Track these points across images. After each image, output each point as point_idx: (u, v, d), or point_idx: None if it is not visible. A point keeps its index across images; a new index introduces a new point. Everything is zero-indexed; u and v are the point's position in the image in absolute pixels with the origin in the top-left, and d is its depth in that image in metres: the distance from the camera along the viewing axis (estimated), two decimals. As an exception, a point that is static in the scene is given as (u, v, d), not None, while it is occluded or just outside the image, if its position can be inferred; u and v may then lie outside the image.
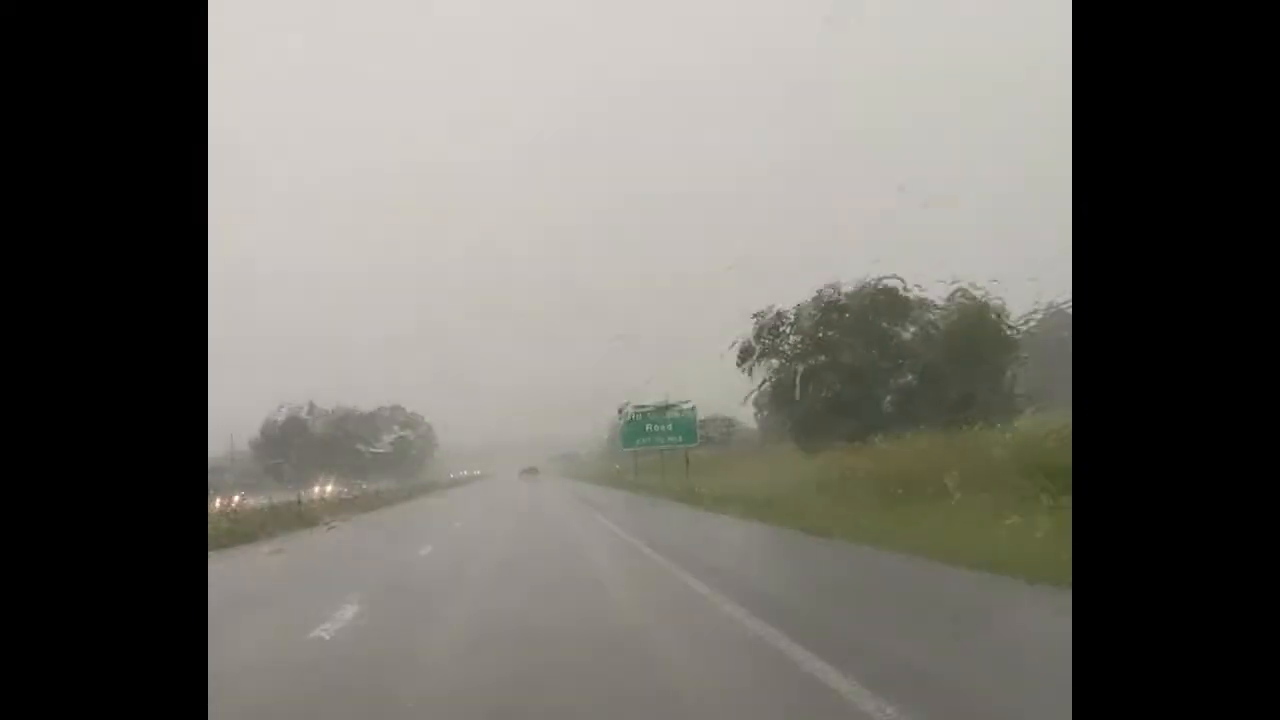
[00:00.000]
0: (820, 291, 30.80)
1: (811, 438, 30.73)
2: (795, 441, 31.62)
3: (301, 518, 34.13)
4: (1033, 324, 27.60)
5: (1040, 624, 7.03)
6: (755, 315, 31.55)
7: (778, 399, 31.62)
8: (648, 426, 35.98)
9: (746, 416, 49.79)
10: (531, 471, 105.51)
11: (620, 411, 35.41)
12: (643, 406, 35.18)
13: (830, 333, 30.97)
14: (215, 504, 35.46)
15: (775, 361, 32.20)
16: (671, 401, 34.89)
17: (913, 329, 30.48)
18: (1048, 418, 17.23)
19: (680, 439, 35.61)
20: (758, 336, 31.83)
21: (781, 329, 31.67)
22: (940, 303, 29.54)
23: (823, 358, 31.36)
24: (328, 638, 8.91)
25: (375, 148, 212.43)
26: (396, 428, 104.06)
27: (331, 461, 79.83)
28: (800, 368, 30.78)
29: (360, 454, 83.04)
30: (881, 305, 30.36)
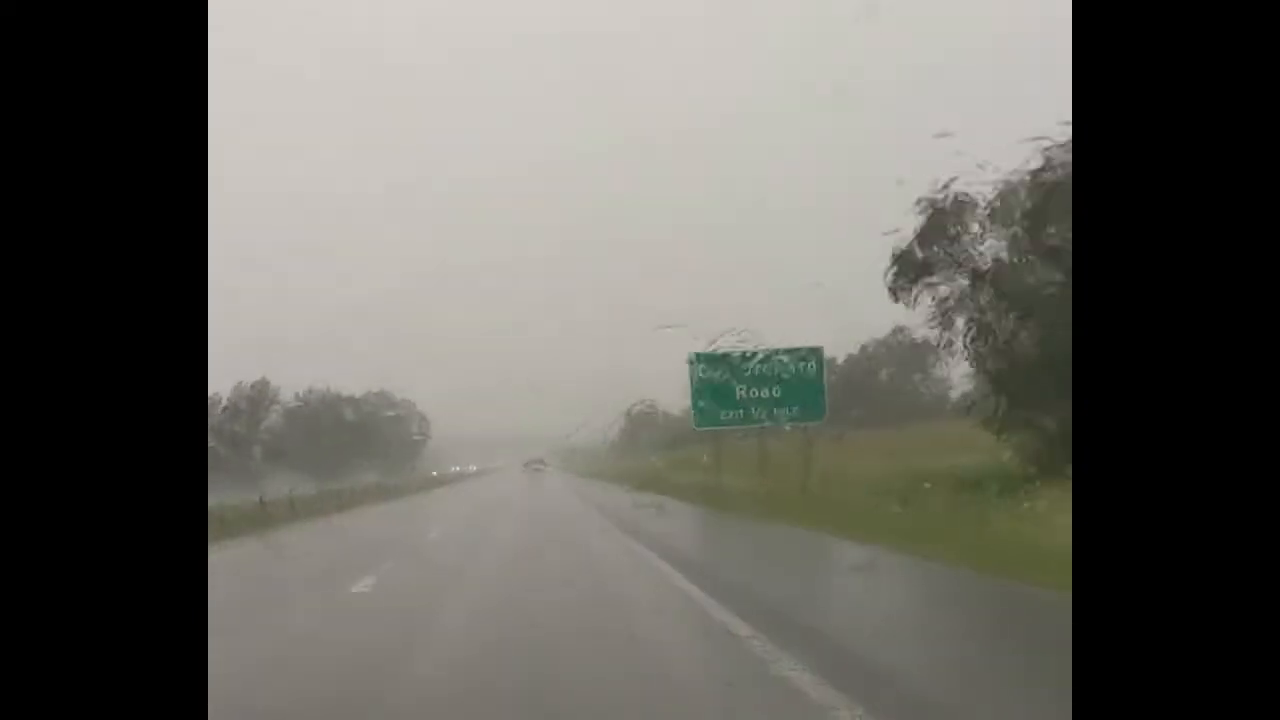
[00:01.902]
0: (1047, 155, 17.09)
1: (1024, 409, 17.46)
2: (999, 422, 17.96)
3: None
4: None
5: None
6: (923, 201, 18.16)
7: (971, 342, 18.24)
8: (739, 388, 20.22)
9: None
10: (537, 465, 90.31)
11: (692, 363, 20.41)
12: (726, 353, 20.43)
13: (1058, 231, 17.57)
14: None
15: (945, 288, 18.86)
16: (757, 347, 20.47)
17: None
18: None
19: (798, 410, 20.32)
20: (926, 236, 18.48)
21: (969, 225, 18.31)
22: None
23: (1043, 274, 18.08)
24: None
25: (374, 117, 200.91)
26: (385, 415, 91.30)
27: (296, 451, 67.17)
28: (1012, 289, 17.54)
29: (334, 444, 70.13)
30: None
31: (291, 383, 75.94)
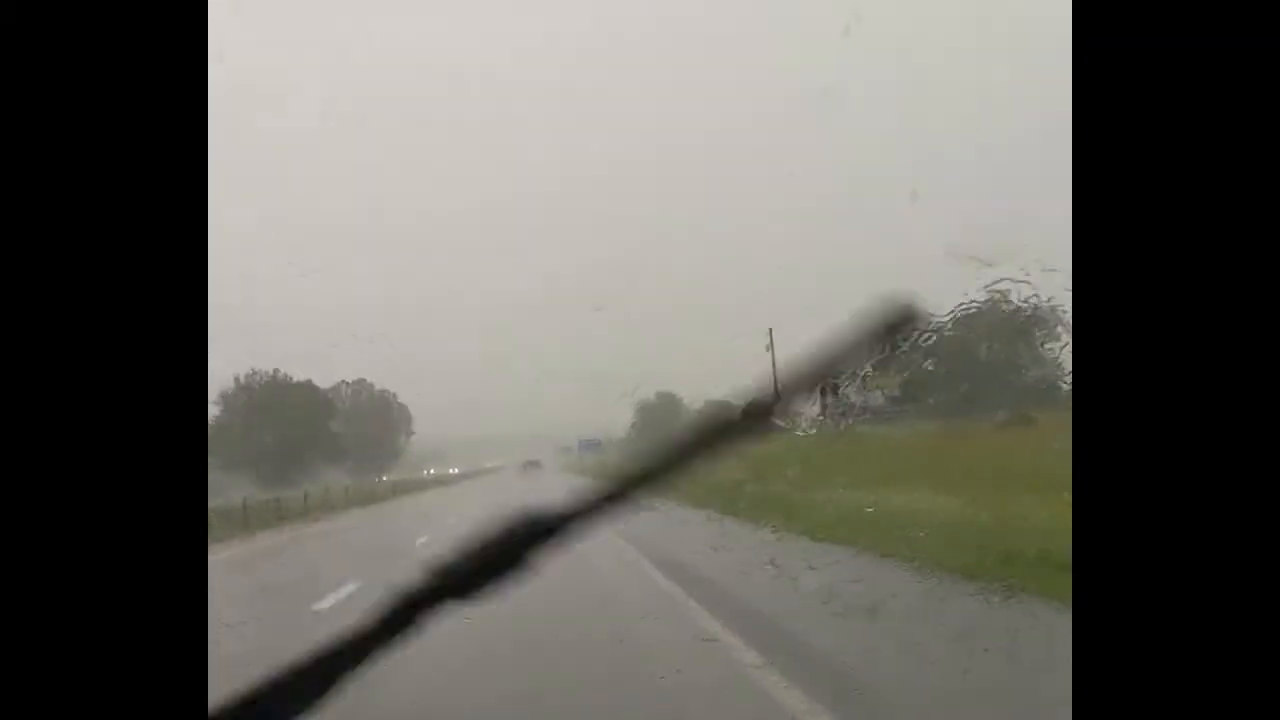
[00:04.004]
0: None
1: None
2: None
3: None
4: None
5: None
6: None
7: None
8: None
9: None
10: (534, 469, 77.35)
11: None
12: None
13: None
14: None
15: None
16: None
17: None
18: None
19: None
20: None
21: None
22: None
23: None
24: None
25: (370, 96, 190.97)
26: (360, 410, 79.24)
27: (248, 450, 55.64)
28: None
29: (284, 441, 58.17)
30: None
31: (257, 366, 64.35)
